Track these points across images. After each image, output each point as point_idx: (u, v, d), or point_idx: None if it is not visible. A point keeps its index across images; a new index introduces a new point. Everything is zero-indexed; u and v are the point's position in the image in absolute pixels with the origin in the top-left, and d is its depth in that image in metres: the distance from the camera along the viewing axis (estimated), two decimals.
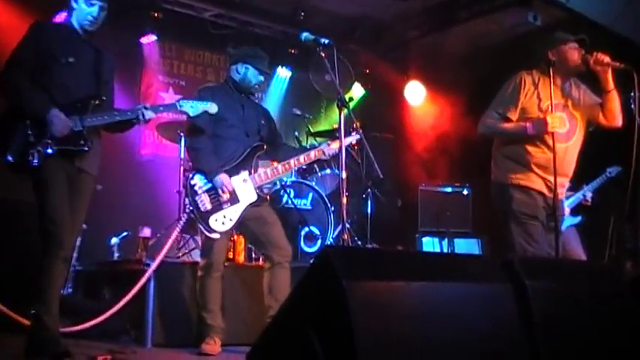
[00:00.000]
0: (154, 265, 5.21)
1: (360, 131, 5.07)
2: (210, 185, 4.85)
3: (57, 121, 4.00)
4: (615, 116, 4.63)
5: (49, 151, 3.99)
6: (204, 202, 4.82)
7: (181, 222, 5.74)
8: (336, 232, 6.82)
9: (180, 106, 4.52)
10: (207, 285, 4.91)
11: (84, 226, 5.14)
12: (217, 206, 4.83)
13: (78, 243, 5.70)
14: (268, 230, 5.01)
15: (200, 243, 6.41)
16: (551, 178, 4.45)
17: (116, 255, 6.48)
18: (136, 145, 8.30)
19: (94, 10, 4.24)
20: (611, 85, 4.57)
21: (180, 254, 6.42)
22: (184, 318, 5.32)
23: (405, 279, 2.33)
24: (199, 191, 4.85)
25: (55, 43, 4.19)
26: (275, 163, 5.14)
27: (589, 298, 2.94)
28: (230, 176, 4.88)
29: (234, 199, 4.86)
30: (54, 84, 4.11)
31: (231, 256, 5.99)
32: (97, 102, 4.22)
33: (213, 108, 4.62)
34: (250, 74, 5.10)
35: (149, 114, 4.31)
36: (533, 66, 4.75)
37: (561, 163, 4.50)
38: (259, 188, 4.97)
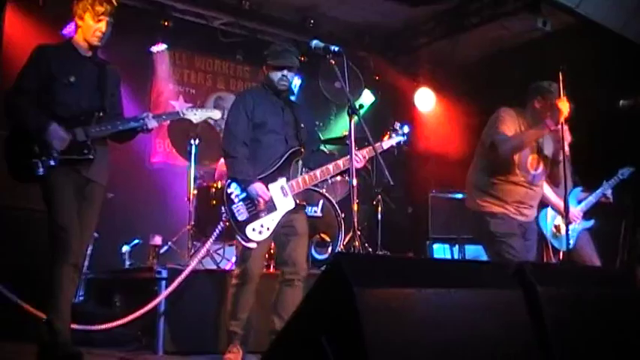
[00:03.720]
0: (187, 269, 5.22)
1: (404, 132, 5.08)
2: (246, 194, 4.69)
3: (55, 136, 4.08)
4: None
5: (52, 162, 4.09)
6: (241, 211, 4.66)
7: (217, 230, 5.62)
8: (346, 240, 6.81)
9: (183, 113, 4.55)
10: (241, 294, 4.76)
11: (95, 234, 5.18)
12: (254, 215, 4.67)
13: (89, 251, 5.73)
14: (292, 242, 4.84)
15: (212, 252, 6.46)
16: (522, 205, 4.91)
17: (127, 263, 6.50)
18: (146, 153, 8.34)
19: (102, 25, 4.28)
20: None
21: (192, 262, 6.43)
22: (195, 325, 5.33)
23: (416, 286, 2.33)
24: (236, 200, 4.68)
25: (55, 65, 4.26)
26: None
27: (600, 303, 2.93)
28: (268, 183, 4.72)
29: (271, 207, 4.71)
30: (55, 102, 4.20)
31: None
32: (100, 114, 4.28)
33: (216, 114, 4.62)
34: (271, 74, 4.94)
35: (152, 123, 4.36)
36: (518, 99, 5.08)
37: (527, 196, 4.92)
38: (297, 195, 4.83)
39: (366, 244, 7.23)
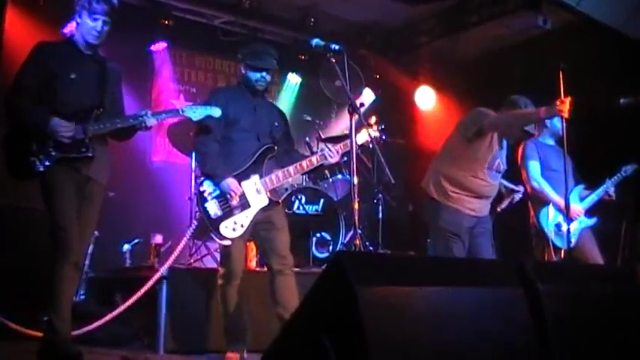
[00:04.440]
0: (162, 269, 5.25)
1: (375, 128, 5.08)
2: (219, 191, 4.74)
3: (60, 129, 4.08)
4: None
5: (48, 162, 4.08)
6: (214, 209, 4.71)
7: (191, 229, 5.73)
8: (347, 238, 6.81)
9: (182, 111, 4.54)
10: (228, 293, 4.85)
11: (96, 233, 5.18)
12: (227, 212, 4.72)
13: (90, 250, 5.72)
14: (274, 236, 4.88)
15: (212, 250, 6.46)
16: (478, 200, 5.03)
17: (128, 261, 6.49)
18: (147, 151, 8.33)
19: (98, 24, 4.28)
20: None
21: (192, 260, 6.44)
22: (196, 324, 5.34)
23: (417, 284, 2.33)
24: (209, 198, 4.73)
25: (56, 62, 4.27)
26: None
27: (601, 301, 2.93)
28: (240, 180, 4.76)
29: (244, 205, 4.75)
30: (56, 99, 4.20)
31: None
32: (100, 111, 4.28)
33: (216, 112, 4.59)
34: (249, 74, 4.98)
35: (151, 120, 4.35)
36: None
37: (486, 192, 5.06)
38: (271, 192, 4.87)
39: (367, 243, 7.22)
